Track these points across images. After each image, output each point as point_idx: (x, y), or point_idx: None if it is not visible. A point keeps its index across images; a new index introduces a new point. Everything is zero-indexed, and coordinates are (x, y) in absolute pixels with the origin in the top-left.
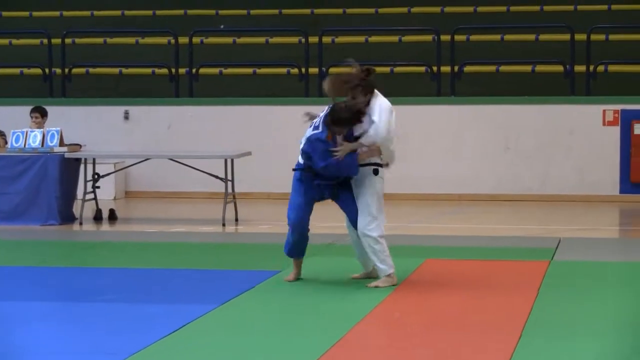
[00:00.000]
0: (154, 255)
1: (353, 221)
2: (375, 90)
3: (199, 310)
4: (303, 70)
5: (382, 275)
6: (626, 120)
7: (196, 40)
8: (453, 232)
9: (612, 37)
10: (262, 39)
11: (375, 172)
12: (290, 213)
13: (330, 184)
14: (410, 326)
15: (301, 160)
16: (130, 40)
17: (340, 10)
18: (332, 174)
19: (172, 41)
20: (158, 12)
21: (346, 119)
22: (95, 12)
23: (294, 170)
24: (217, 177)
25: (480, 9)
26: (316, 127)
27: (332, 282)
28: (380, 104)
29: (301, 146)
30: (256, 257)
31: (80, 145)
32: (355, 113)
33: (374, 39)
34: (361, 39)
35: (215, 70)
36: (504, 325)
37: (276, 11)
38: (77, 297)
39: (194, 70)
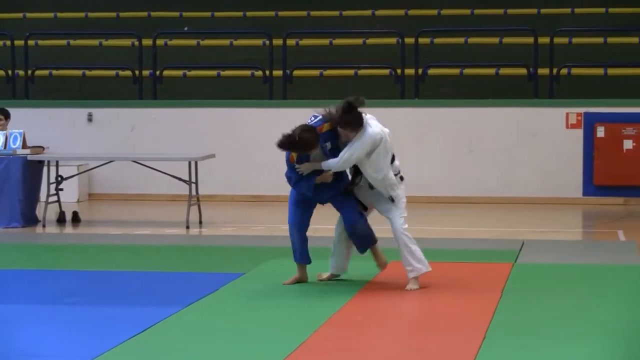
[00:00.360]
0: (117, 257)
1: (349, 223)
2: (366, 123)
3: (162, 313)
4: (267, 72)
5: (416, 274)
6: (589, 123)
7: (160, 42)
8: (417, 235)
9: (575, 40)
10: (226, 41)
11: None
12: (289, 216)
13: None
14: (373, 329)
15: None
16: (94, 42)
17: (304, 13)
18: (296, 190)
19: (136, 43)
20: (122, 14)
21: (288, 146)
22: (59, 14)
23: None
24: (180, 179)
25: (444, 12)
26: None
27: (295, 284)
28: (361, 139)
29: None
30: (220, 259)
31: (43, 148)
32: (298, 144)
33: (338, 41)
34: (325, 41)
35: (179, 73)
36: (467, 327)
37: (240, 13)
38: (40, 300)
39: (157, 73)
